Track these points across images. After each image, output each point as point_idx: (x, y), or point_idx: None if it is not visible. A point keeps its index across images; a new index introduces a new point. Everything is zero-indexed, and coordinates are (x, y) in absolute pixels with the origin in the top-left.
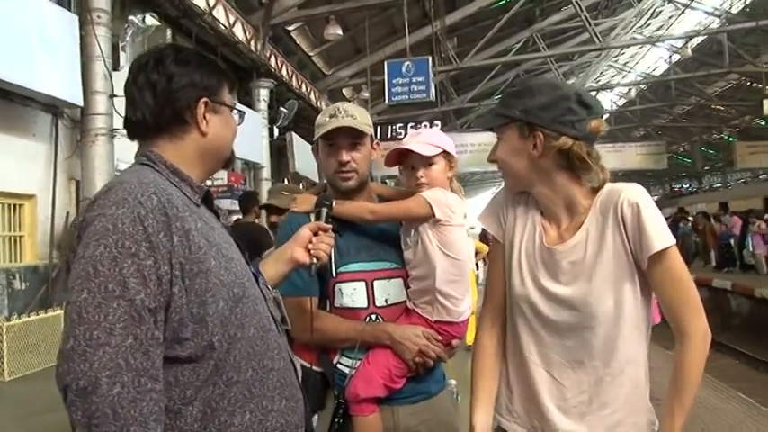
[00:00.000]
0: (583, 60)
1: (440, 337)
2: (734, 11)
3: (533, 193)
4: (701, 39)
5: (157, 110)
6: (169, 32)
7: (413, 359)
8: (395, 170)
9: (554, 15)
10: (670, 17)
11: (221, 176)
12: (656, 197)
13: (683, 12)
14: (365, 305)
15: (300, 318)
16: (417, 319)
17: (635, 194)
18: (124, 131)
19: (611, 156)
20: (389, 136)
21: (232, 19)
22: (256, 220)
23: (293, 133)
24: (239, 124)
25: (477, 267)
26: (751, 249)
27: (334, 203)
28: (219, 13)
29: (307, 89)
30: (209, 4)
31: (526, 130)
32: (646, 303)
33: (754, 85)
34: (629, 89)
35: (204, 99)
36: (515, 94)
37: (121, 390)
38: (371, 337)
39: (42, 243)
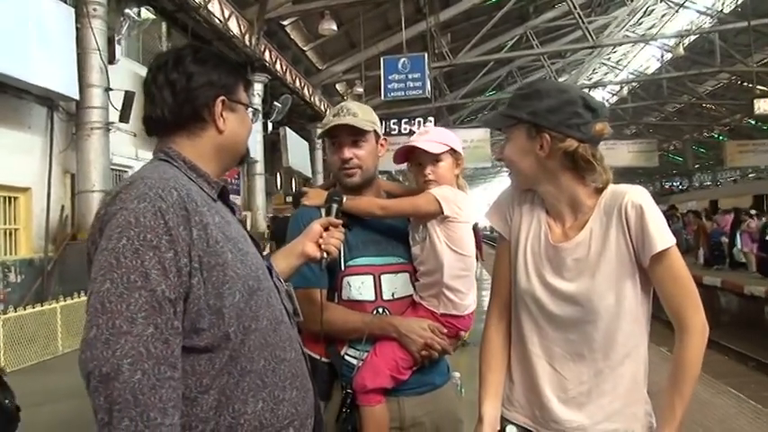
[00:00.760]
0: (576, 58)
1: (445, 330)
2: (726, 11)
3: (539, 192)
4: (693, 38)
5: (176, 107)
6: (164, 26)
7: (419, 351)
8: (403, 165)
9: (547, 13)
10: (663, 16)
11: None
12: None
13: (676, 11)
14: (372, 298)
15: (310, 309)
16: (424, 312)
17: (639, 196)
18: (119, 125)
19: (603, 153)
20: (383, 131)
21: (227, 13)
22: None
23: (287, 128)
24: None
25: None
26: (740, 247)
27: (344, 199)
28: (215, 7)
29: (300, 84)
30: None
31: (533, 132)
32: (645, 300)
33: (745, 84)
34: (622, 87)
35: (222, 97)
36: (524, 96)
37: (142, 377)
38: (378, 330)
39: (37, 236)
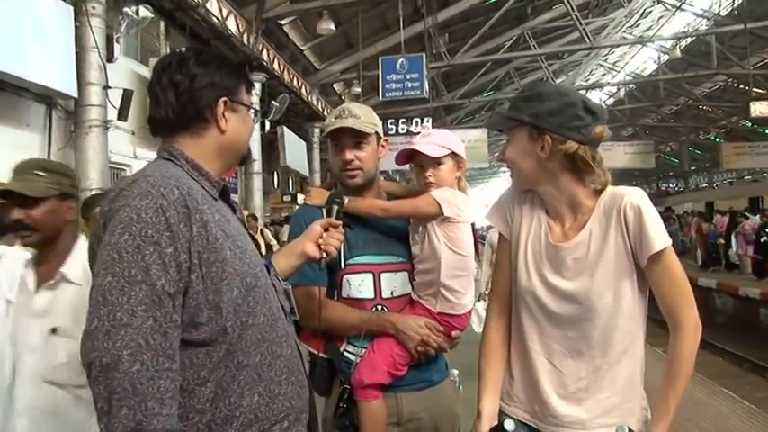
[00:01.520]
0: (573, 59)
1: (441, 328)
2: (722, 13)
3: (539, 192)
4: (689, 40)
5: (180, 108)
6: (163, 25)
7: (415, 348)
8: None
9: (545, 14)
10: (660, 18)
11: None
12: None
13: (673, 13)
14: (372, 296)
15: (309, 305)
16: (421, 310)
17: (637, 198)
18: (118, 123)
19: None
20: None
21: (225, 12)
22: None
23: (284, 127)
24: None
25: None
26: (735, 250)
27: (346, 201)
28: (213, 6)
29: (298, 83)
30: None
31: (535, 134)
32: (642, 299)
33: (741, 86)
34: (618, 88)
35: (224, 98)
36: (525, 98)
37: (141, 367)
38: (376, 326)
39: None
